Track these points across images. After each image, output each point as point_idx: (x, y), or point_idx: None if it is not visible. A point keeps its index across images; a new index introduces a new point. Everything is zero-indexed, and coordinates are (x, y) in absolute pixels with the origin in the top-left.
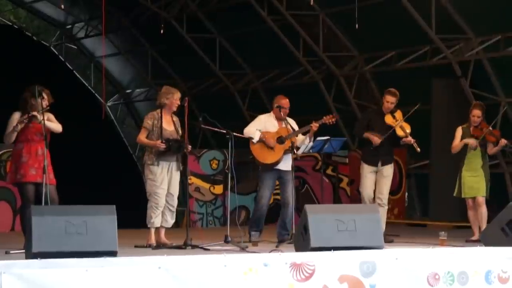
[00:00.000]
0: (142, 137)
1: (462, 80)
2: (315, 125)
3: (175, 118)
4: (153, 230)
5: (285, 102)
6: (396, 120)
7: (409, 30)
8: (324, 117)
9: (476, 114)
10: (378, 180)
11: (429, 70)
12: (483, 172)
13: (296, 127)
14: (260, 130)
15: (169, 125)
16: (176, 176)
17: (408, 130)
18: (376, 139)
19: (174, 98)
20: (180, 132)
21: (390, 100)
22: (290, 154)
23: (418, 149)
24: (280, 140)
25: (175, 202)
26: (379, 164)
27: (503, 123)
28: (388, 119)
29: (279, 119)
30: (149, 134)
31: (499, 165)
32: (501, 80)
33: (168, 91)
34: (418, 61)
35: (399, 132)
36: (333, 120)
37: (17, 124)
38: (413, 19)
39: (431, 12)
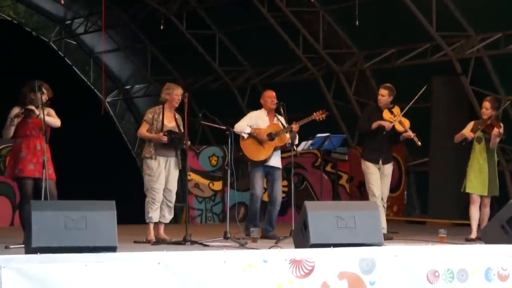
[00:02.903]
0: (143, 130)
1: (463, 78)
2: (295, 126)
3: (178, 116)
4: (151, 226)
5: (269, 94)
6: (395, 116)
7: (410, 27)
8: (314, 113)
9: (484, 106)
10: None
11: (429, 67)
12: (488, 167)
13: (284, 124)
14: (251, 126)
15: (170, 121)
16: (175, 172)
17: (407, 125)
18: (387, 124)
19: (174, 93)
20: (181, 129)
21: (381, 93)
22: (279, 151)
23: (419, 143)
24: (270, 137)
25: (173, 198)
26: (380, 162)
27: (503, 120)
28: (386, 115)
29: (270, 114)
30: (149, 128)
31: (499, 163)
32: (501, 77)
33: (169, 87)
34: (418, 58)
35: (398, 128)
36: (323, 116)
37: (13, 118)
38: (413, 16)
39: (431, 9)
